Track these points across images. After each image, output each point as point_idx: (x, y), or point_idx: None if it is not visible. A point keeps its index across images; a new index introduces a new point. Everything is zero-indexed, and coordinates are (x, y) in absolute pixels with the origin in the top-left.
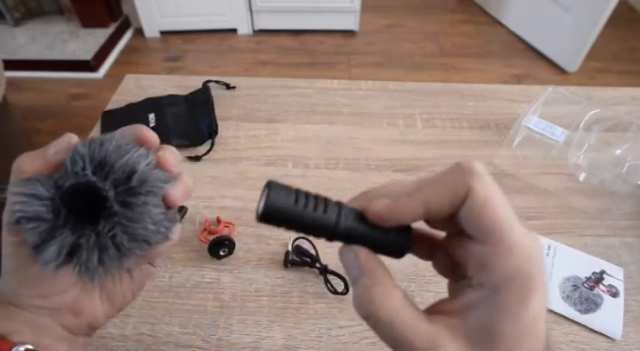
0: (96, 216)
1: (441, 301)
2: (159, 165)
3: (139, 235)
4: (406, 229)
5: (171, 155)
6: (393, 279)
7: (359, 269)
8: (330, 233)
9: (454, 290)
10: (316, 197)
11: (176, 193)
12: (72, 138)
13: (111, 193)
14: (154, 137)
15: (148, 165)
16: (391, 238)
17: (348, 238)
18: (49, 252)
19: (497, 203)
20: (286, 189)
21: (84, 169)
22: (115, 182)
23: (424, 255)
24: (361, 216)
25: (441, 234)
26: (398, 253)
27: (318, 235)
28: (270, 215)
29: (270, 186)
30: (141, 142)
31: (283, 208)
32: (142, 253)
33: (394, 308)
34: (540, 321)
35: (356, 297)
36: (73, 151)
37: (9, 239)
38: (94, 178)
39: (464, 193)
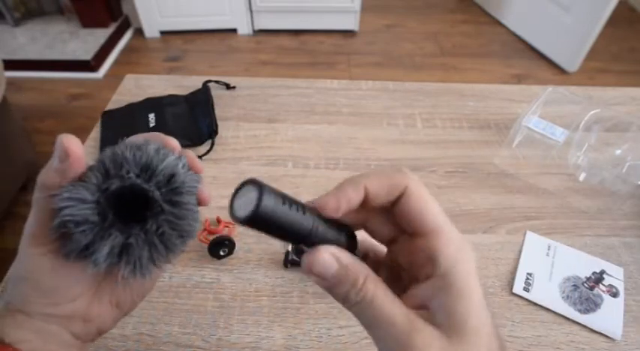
0: (139, 217)
1: (402, 298)
2: (189, 167)
3: (185, 232)
4: (352, 233)
5: (196, 158)
6: (367, 266)
7: (339, 266)
8: (306, 236)
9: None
10: (292, 199)
11: (207, 193)
12: (66, 142)
13: (157, 194)
14: (177, 145)
15: (183, 167)
16: (345, 238)
17: (318, 239)
18: (102, 252)
19: (430, 201)
20: (274, 191)
21: (129, 172)
22: (158, 184)
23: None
24: (318, 214)
25: (383, 250)
26: (351, 251)
27: (292, 239)
28: (257, 218)
29: (262, 188)
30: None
31: (271, 212)
32: (183, 248)
33: (380, 290)
34: (482, 300)
35: (345, 289)
36: (115, 154)
37: (30, 251)
38: (139, 181)
39: (401, 187)
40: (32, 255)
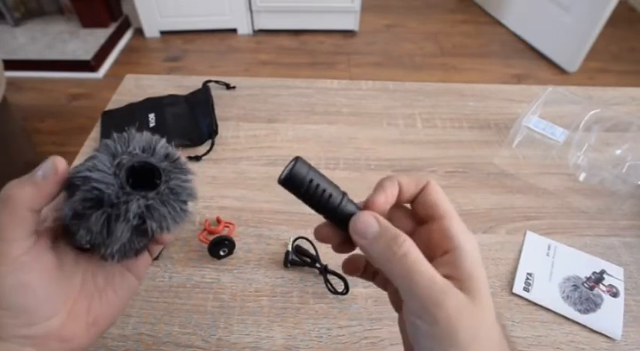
0: (148, 188)
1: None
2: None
3: (192, 190)
4: None
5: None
6: None
7: (380, 226)
8: (336, 208)
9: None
10: (328, 180)
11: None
12: (58, 161)
13: (164, 164)
14: None
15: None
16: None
17: (347, 215)
18: (132, 207)
19: (443, 193)
20: (308, 164)
21: (135, 149)
22: (159, 159)
23: (365, 276)
24: (357, 207)
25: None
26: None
27: (324, 208)
28: (291, 179)
29: (297, 159)
30: None
31: (303, 176)
32: (189, 209)
33: (418, 253)
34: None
35: (385, 243)
36: (120, 138)
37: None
38: (145, 156)
39: (424, 182)
40: (4, 274)
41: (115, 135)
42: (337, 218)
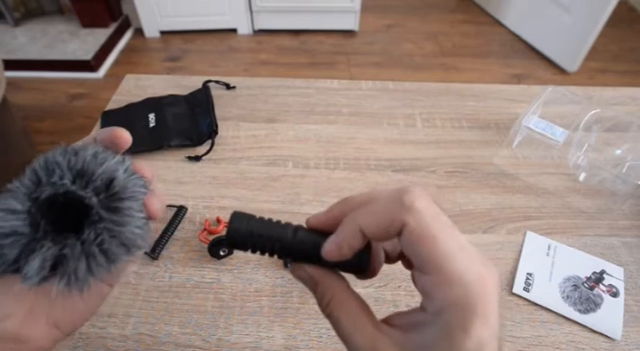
0: (77, 226)
1: (397, 314)
2: (135, 170)
3: (127, 239)
4: (365, 250)
5: (142, 164)
6: (347, 285)
7: (311, 280)
8: (288, 249)
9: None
10: (277, 221)
11: (157, 206)
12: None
13: (94, 200)
14: (125, 134)
15: (126, 171)
16: (350, 260)
17: (304, 253)
18: (32, 265)
19: (435, 233)
20: (247, 215)
21: (62, 178)
22: (96, 190)
23: (404, 264)
24: (317, 234)
25: None
26: (357, 267)
27: (281, 253)
28: (233, 239)
29: (233, 214)
30: (115, 141)
31: (243, 232)
32: (129, 258)
33: (344, 310)
34: (487, 347)
35: (318, 302)
36: (48, 160)
37: None
38: (73, 187)
39: (399, 226)
40: None
41: (57, 150)
42: (300, 257)
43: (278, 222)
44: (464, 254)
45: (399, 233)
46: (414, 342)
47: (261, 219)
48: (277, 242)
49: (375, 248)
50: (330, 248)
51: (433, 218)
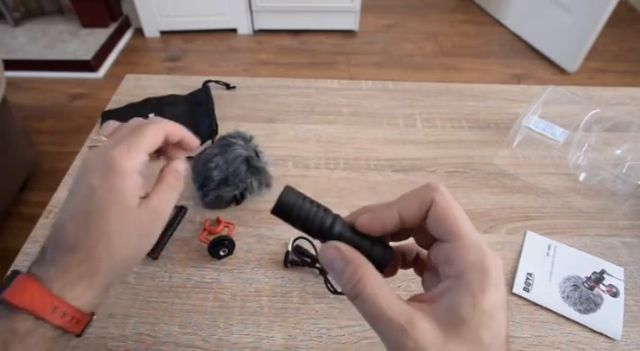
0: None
1: (419, 294)
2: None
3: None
4: (387, 247)
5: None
6: (370, 264)
7: (343, 260)
8: (327, 233)
9: (429, 286)
10: (319, 204)
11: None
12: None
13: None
14: (196, 143)
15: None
16: (375, 250)
17: (340, 240)
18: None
19: (456, 211)
20: (297, 193)
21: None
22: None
23: (416, 271)
24: (352, 227)
25: (424, 252)
26: (380, 262)
27: (315, 233)
28: (280, 209)
29: (286, 188)
30: (186, 147)
31: (292, 205)
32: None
33: (377, 287)
34: (499, 312)
35: (345, 282)
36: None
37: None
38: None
39: (429, 203)
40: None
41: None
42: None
43: (320, 206)
44: (475, 230)
45: (427, 212)
46: (442, 307)
47: (309, 200)
48: (316, 224)
49: (396, 251)
50: (362, 220)
51: (454, 201)
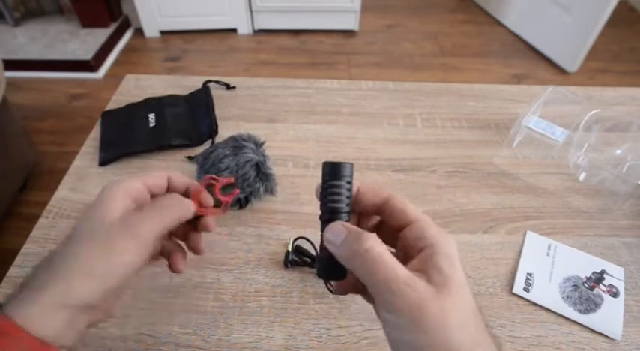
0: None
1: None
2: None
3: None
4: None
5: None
6: None
7: (346, 231)
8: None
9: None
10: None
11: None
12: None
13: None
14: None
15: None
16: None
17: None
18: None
19: (412, 205)
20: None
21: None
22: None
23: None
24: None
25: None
26: (340, 274)
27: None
28: (341, 169)
29: (352, 165)
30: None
31: (348, 175)
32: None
33: (383, 248)
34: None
35: (351, 240)
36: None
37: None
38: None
39: (384, 195)
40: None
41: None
42: (331, 218)
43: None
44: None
45: (383, 203)
46: (429, 270)
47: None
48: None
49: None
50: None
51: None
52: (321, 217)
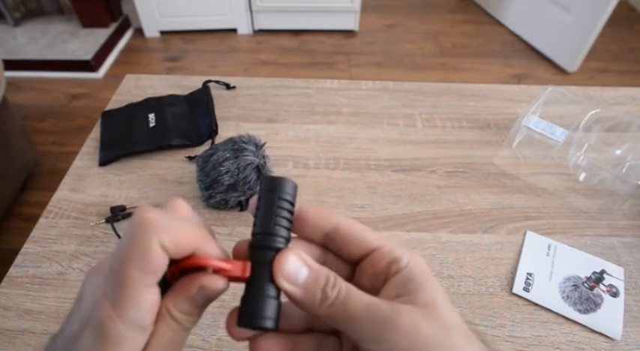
0: None
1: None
2: None
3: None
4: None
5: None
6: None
7: (306, 268)
8: (282, 234)
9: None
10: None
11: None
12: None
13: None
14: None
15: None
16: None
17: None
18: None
19: (367, 229)
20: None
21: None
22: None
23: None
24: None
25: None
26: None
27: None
28: (277, 188)
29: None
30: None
31: (290, 194)
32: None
33: (352, 287)
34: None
35: (315, 292)
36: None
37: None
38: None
39: (333, 222)
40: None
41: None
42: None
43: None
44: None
45: (330, 232)
46: (413, 295)
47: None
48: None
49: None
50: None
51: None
52: (256, 242)
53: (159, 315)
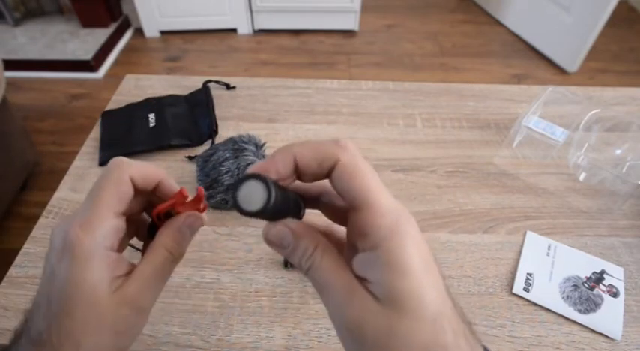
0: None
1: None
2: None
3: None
4: (298, 197)
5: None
6: (320, 235)
7: (295, 234)
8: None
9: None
10: (281, 187)
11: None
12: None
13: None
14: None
15: None
16: (292, 206)
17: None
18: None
19: (365, 173)
20: (275, 184)
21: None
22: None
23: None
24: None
25: (343, 230)
26: (298, 214)
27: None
28: (267, 211)
29: (268, 184)
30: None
31: (275, 204)
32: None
33: (327, 258)
34: (431, 265)
35: (297, 258)
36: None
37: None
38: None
39: (332, 160)
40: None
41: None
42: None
43: (284, 192)
44: (386, 191)
45: (330, 170)
46: (377, 287)
47: (281, 191)
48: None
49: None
50: (256, 169)
51: (362, 159)
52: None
53: (154, 247)
